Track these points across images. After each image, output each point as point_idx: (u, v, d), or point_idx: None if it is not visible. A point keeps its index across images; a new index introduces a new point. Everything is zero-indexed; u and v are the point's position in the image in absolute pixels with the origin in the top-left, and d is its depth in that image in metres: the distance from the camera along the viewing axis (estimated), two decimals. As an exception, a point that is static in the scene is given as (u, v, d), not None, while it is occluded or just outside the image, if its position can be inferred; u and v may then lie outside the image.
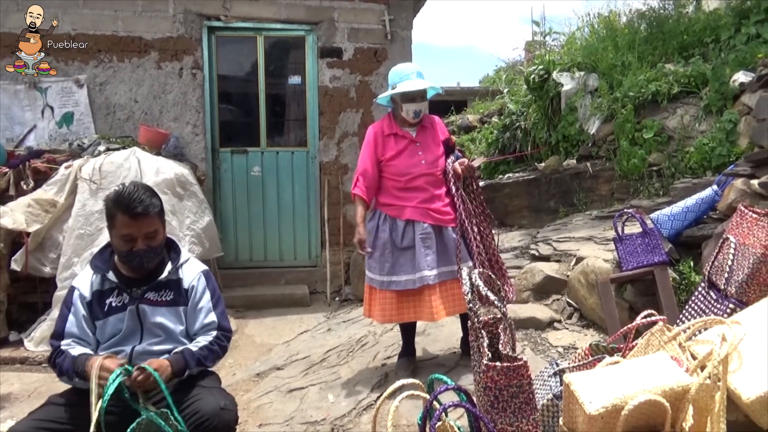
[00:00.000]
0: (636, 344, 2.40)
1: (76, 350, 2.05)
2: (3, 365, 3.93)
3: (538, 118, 7.41)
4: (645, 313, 2.43)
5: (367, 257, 3.32)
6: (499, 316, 1.90)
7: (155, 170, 4.42)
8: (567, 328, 3.69)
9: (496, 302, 1.70)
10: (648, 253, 3.11)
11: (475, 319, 1.80)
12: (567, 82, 6.83)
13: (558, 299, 4.04)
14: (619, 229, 3.30)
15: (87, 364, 1.94)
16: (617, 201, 5.82)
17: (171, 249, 2.33)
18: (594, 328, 3.62)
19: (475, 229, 3.19)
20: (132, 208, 2.10)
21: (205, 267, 2.40)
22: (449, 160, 3.28)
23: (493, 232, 3.30)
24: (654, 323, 2.34)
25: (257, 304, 5.11)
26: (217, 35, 5.37)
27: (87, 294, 2.16)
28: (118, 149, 4.62)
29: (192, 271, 2.33)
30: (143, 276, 2.22)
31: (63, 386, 2.13)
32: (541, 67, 7.19)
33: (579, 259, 4.08)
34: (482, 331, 1.73)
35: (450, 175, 3.23)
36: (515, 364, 1.63)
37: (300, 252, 5.67)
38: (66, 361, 2.00)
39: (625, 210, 5.03)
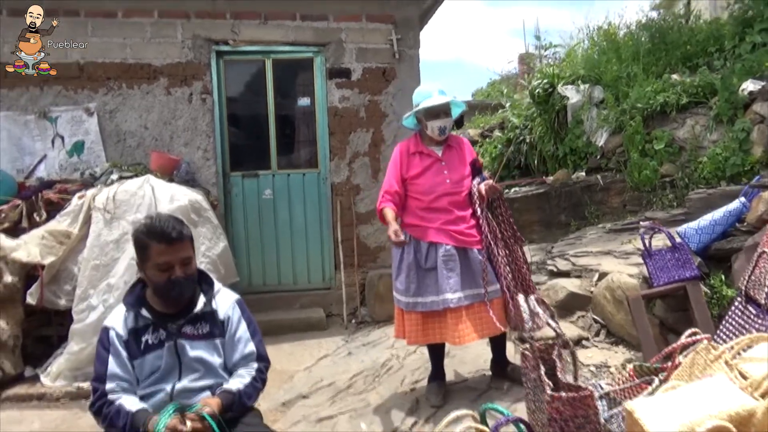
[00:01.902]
0: (680, 363, 2.36)
1: (129, 402, 1.98)
2: (20, 402, 3.85)
3: (544, 131, 7.42)
4: (689, 331, 2.39)
5: (394, 278, 3.28)
6: (550, 341, 1.85)
7: (169, 197, 4.38)
8: (596, 346, 3.64)
9: (557, 330, 1.65)
10: (679, 268, 3.08)
11: (532, 347, 1.75)
12: (572, 95, 6.85)
13: (583, 316, 3.99)
14: (647, 244, 3.27)
15: (149, 423, 1.87)
16: (630, 213, 5.81)
17: (202, 280, 2.29)
18: (624, 345, 3.57)
19: (502, 252, 3.15)
20: (167, 234, 2.06)
21: (237, 296, 2.37)
22: (475, 182, 3.26)
23: (523, 253, 3.25)
24: (696, 341, 2.30)
25: (273, 329, 5.03)
26: (226, 59, 5.36)
27: (123, 333, 2.11)
28: (130, 177, 4.58)
29: (226, 301, 2.30)
30: (178, 310, 2.18)
31: (85, 424, 2.06)
32: (545, 80, 7.21)
33: (602, 275, 4.05)
34: (540, 360, 1.68)
35: (475, 196, 3.20)
36: (581, 394, 1.59)
37: (314, 275, 5.62)
38: (120, 415, 1.93)
39: (642, 223, 5.04)
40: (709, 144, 5.28)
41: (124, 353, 2.07)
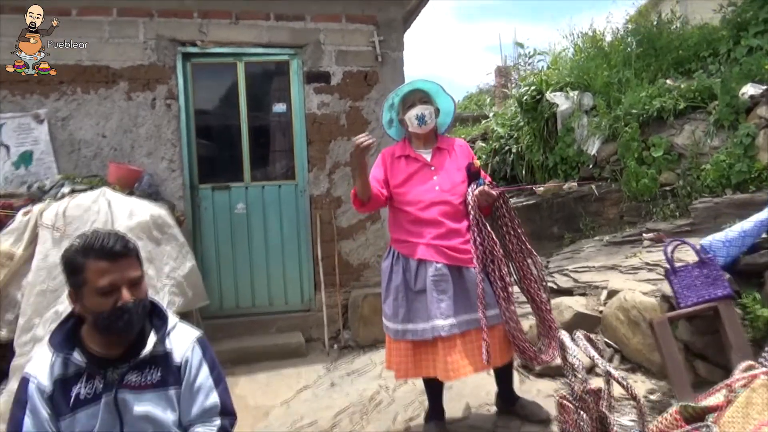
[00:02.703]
0: (730, 400, 1.98)
1: None
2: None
3: (532, 140, 7.09)
4: (744, 365, 2.02)
5: (382, 300, 2.86)
6: (593, 387, 1.45)
7: (128, 213, 3.90)
8: (611, 374, 3.25)
9: (623, 383, 1.26)
10: (708, 286, 2.72)
11: (577, 393, 1.34)
12: (562, 102, 6.55)
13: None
14: (670, 259, 2.90)
15: None
16: (628, 224, 5.49)
17: (153, 313, 1.84)
18: (642, 373, 3.19)
19: (503, 270, 2.74)
20: (109, 248, 1.64)
21: (198, 332, 1.91)
22: (470, 188, 2.86)
23: (537, 270, 2.85)
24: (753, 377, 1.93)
25: (247, 357, 4.56)
26: (193, 62, 4.92)
27: (47, 384, 1.65)
28: (84, 190, 4.09)
29: (183, 341, 1.85)
30: (122, 351, 1.73)
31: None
32: (533, 87, 6.91)
33: (611, 293, 3.68)
34: (585, 414, 1.28)
35: (470, 206, 2.80)
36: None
37: (291, 295, 5.15)
38: None
39: (645, 234, 4.70)
40: (711, 150, 4.98)
41: (45, 412, 1.61)
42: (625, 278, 3.96)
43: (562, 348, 2.26)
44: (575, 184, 6.25)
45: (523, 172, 7.36)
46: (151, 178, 4.61)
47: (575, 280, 4.26)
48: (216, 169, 5.05)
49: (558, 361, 2.78)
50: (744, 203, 4.35)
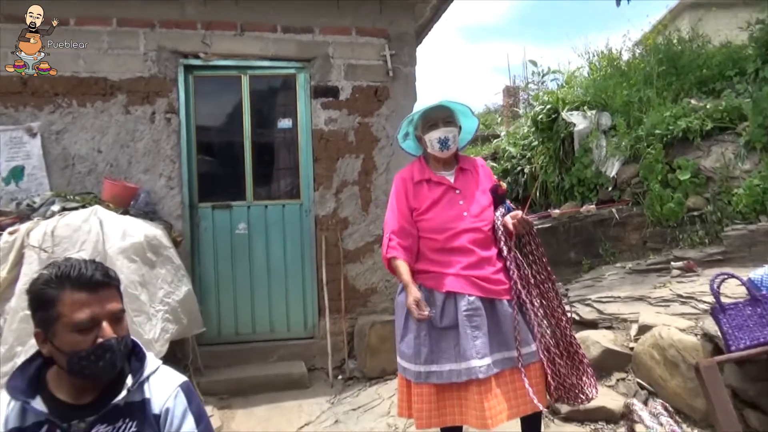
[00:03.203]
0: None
1: None
2: None
3: (547, 160, 6.83)
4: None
5: (399, 341, 2.56)
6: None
7: (121, 233, 3.63)
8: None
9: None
10: (763, 327, 2.42)
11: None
12: (579, 122, 6.29)
13: (623, 379, 3.29)
14: (717, 294, 2.60)
15: None
16: (651, 251, 5.18)
17: (131, 353, 1.56)
18: (683, 419, 2.86)
19: (537, 302, 2.47)
20: (89, 277, 1.40)
21: (183, 379, 1.62)
22: (498, 213, 2.58)
23: (561, 301, 2.56)
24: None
25: (245, 388, 4.25)
26: (196, 75, 4.69)
27: (-2, 437, 1.38)
28: (75, 208, 3.82)
29: (165, 387, 1.56)
30: (95, 397, 1.46)
31: None
32: (549, 105, 6.66)
33: (643, 328, 3.37)
34: None
35: (500, 232, 2.52)
36: None
37: (294, 322, 4.85)
38: None
39: (674, 263, 4.39)
40: (742, 174, 4.70)
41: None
42: (656, 311, 3.66)
43: (635, 420, 1.96)
44: (593, 207, 5.97)
45: (537, 193, 7.08)
46: (148, 196, 4.35)
47: (599, 312, 3.95)
48: (217, 187, 4.79)
49: (593, 402, 2.49)
50: (782, 231, 4.06)
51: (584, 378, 2.44)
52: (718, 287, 2.60)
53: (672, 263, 4.41)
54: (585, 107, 6.47)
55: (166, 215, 4.42)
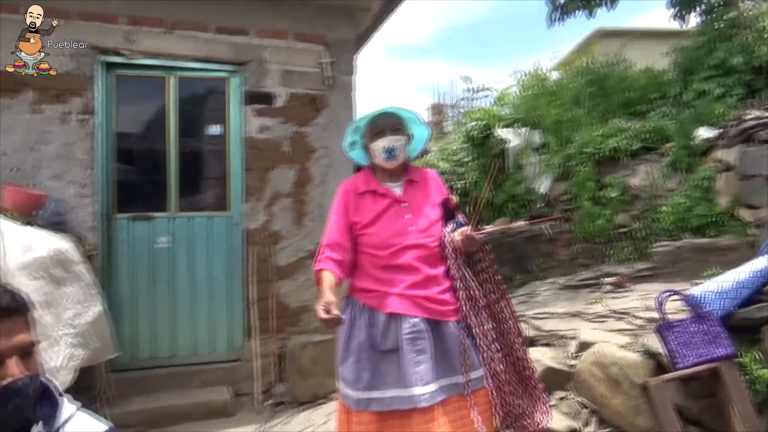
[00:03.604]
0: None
1: None
2: None
3: (479, 176, 6.87)
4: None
5: (339, 362, 2.35)
6: None
7: (23, 246, 3.22)
8: (592, 441, 2.89)
9: None
10: (708, 344, 2.43)
11: None
12: (512, 138, 6.38)
13: (565, 397, 3.23)
14: (663, 311, 2.59)
15: None
16: (581, 267, 5.27)
17: (42, 397, 1.28)
18: (626, 439, 2.84)
19: (487, 325, 2.34)
20: None
21: (105, 426, 1.35)
22: (447, 229, 2.44)
23: (516, 322, 2.45)
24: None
25: (163, 419, 3.88)
26: (117, 74, 4.31)
27: None
28: (-32, 217, 3.37)
29: (82, 437, 1.29)
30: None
31: None
32: (483, 122, 6.71)
33: (583, 345, 3.34)
34: None
35: (448, 249, 2.39)
36: None
37: (219, 343, 4.52)
38: None
39: (605, 279, 4.46)
40: (666, 193, 4.88)
41: None
42: (593, 327, 3.66)
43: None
44: (523, 222, 6.02)
45: (469, 209, 7.09)
46: (57, 205, 3.93)
47: (537, 329, 3.92)
48: (137, 197, 4.41)
49: (550, 424, 2.40)
50: (706, 248, 4.22)
51: (538, 404, 2.33)
52: (663, 303, 2.59)
53: (603, 279, 4.47)
54: (517, 125, 6.57)
55: (77, 227, 4.00)
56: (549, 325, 3.92)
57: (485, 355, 2.29)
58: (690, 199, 4.54)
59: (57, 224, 3.82)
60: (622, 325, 3.55)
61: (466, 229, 2.35)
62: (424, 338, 2.23)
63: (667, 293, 2.63)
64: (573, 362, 3.33)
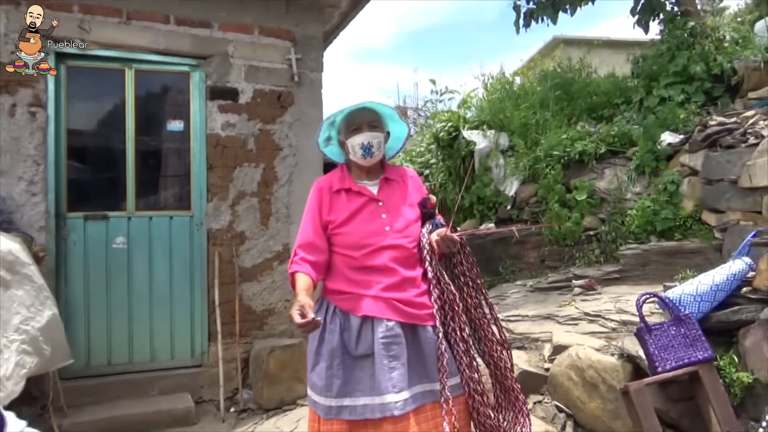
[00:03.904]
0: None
1: None
2: None
3: (446, 178, 6.84)
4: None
5: (309, 368, 2.22)
6: None
7: (-35, 246, 2.97)
8: (569, 446, 2.85)
9: None
10: (687, 348, 2.41)
11: None
12: (480, 141, 6.36)
13: (541, 401, 3.19)
14: (642, 314, 2.56)
15: None
16: (549, 269, 5.28)
17: None
18: (603, 443, 2.81)
19: (465, 330, 2.25)
20: None
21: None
22: (424, 230, 2.34)
23: (499, 328, 2.37)
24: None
25: (119, 429, 3.66)
26: (70, 65, 4.06)
27: None
28: None
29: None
30: None
31: None
32: (450, 123, 6.68)
33: (558, 348, 3.31)
34: None
35: (426, 251, 2.29)
36: None
37: (180, 348, 4.31)
38: None
39: (575, 282, 4.46)
40: (633, 196, 4.93)
41: None
42: (566, 330, 3.65)
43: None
44: (492, 226, 6.02)
45: (436, 211, 7.05)
46: (3, 203, 3.67)
47: (510, 331, 3.87)
48: (91, 195, 4.17)
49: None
50: (673, 251, 4.27)
51: (519, 417, 2.25)
52: (642, 307, 2.57)
53: (573, 281, 4.47)
54: (484, 127, 6.56)
55: (25, 226, 3.74)
56: (521, 327, 3.89)
57: (461, 362, 2.20)
58: (656, 203, 4.59)
59: (2, 223, 3.56)
60: (595, 327, 3.54)
61: (444, 230, 2.26)
62: (400, 343, 2.12)
63: (646, 296, 2.61)
64: (548, 365, 3.29)
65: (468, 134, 6.44)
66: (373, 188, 2.31)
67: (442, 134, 6.69)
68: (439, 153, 6.94)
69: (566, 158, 5.35)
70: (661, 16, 6.30)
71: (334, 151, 2.45)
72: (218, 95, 4.37)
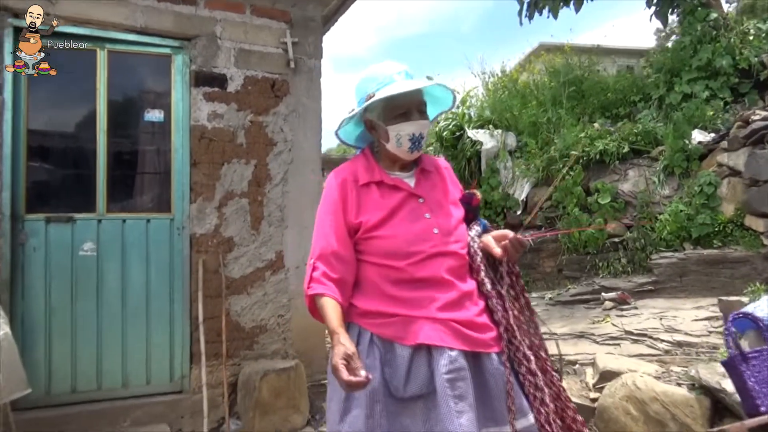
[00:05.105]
0: None
1: None
2: None
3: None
4: None
5: (336, 420, 1.70)
6: None
7: None
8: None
9: None
10: (795, 381, 1.93)
11: None
12: (486, 140, 5.90)
13: (589, 439, 2.71)
14: (736, 340, 2.09)
15: None
16: (568, 280, 4.82)
17: None
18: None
19: (530, 355, 1.78)
20: None
21: None
22: (473, 232, 1.86)
23: (550, 354, 1.89)
24: None
25: (85, 470, 3.09)
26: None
27: None
28: None
29: None
30: None
31: None
32: (453, 122, 6.21)
33: (606, 374, 2.83)
34: None
35: (478, 258, 1.80)
36: None
37: (157, 372, 3.74)
38: None
39: (605, 295, 3.99)
40: (662, 199, 4.50)
41: None
42: (606, 351, 3.17)
43: None
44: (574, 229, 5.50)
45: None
46: (-54, 202, 3.09)
47: (538, 352, 3.39)
48: (55, 194, 3.60)
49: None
50: (715, 260, 3.83)
51: None
52: (736, 333, 2.09)
53: (603, 294, 4.01)
54: (490, 126, 6.11)
55: (-26, 229, 3.16)
56: (551, 347, 3.39)
57: (534, 396, 1.72)
58: (690, 207, 4.16)
59: (-55, 226, 2.99)
60: (642, 348, 3.08)
61: (506, 233, 1.77)
62: (465, 378, 1.63)
63: (737, 316, 2.13)
64: (595, 395, 2.81)
65: (473, 133, 5.98)
66: (409, 181, 1.82)
67: (445, 133, 6.22)
68: (441, 153, 6.45)
69: (585, 158, 4.90)
70: (679, 7, 5.92)
71: (349, 131, 1.95)
72: (204, 82, 3.84)
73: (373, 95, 1.77)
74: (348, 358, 1.50)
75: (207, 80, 3.85)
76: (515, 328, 1.77)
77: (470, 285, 1.76)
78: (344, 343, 1.53)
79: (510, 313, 1.78)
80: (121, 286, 3.66)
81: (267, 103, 4.02)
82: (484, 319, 1.74)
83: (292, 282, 4.04)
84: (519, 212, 5.52)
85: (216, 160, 3.86)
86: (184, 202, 3.82)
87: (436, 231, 1.74)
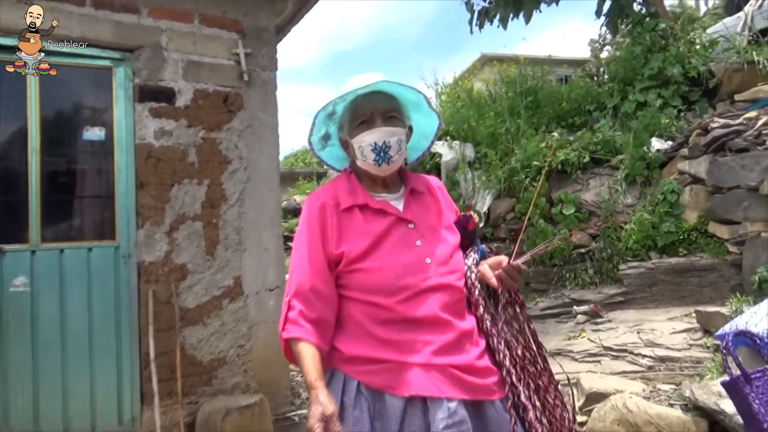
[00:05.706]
0: None
1: None
2: None
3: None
4: None
5: None
6: None
7: None
8: None
9: None
10: (802, 402, 1.84)
11: None
12: (446, 153, 5.80)
13: (580, 467, 2.57)
14: (738, 359, 1.99)
15: None
16: (536, 293, 4.73)
17: None
18: None
19: (535, 399, 1.60)
20: None
21: None
22: (469, 261, 1.67)
23: (562, 395, 1.72)
24: None
25: None
26: (-52, 55, 3.14)
27: None
28: None
29: None
30: None
31: None
32: (411, 134, 6.08)
33: (594, 396, 2.71)
34: None
35: (477, 290, 1.62)
36: None
37: (103, 413, 3.39)
38: None
39: (576, 308, 3.91)
40: (625, 208, 4.48)
41: None
42: (587, 369, 3.07)
43: None
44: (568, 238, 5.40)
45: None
46: None
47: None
48: (-20, 223, 3.22)
49: None
50: (683, 269, 3.82)
51: None
52: (727, 347, 2.00)
53: (574, 308, 3.93)
54: (448, 137, 6.02)
55: None
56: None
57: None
58: (654, 215, 4.15)
59: None
60: (624, 365, 2.99)
61: (502, 260, 1.60)
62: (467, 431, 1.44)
63: (735, 333, 2.04)
64: (583, 418, 2.68)
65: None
66: (397, 204, 1.61)
67: (403, 146, 6.08)
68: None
69: (546, 169, 4.86)
70: (628, 18, 6.02)
71: (334, 154, 1.74)
72: (149, 96, 3.55)
73: (334, 111, 1.61)
74: (326, 420, 1.30)
75: (153, 94, 3.56)
76: (519, 370, 1.59)
77: (469, 323, 1.57)
78: (323, 402, 1.33)
79: (513, 352, 1.60)
80: (60, 323, 3.30)
81: (220, 119, 3.76)
82: (486, 361, 1.54)
83: (252, 309, 3.77)
84: (482, 225, 5.42)
85: (165, 180, 3.56)
86: (130, 228, 3.49)
87: (428, 261, 1.54)
